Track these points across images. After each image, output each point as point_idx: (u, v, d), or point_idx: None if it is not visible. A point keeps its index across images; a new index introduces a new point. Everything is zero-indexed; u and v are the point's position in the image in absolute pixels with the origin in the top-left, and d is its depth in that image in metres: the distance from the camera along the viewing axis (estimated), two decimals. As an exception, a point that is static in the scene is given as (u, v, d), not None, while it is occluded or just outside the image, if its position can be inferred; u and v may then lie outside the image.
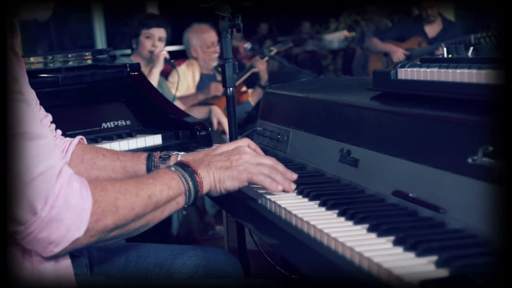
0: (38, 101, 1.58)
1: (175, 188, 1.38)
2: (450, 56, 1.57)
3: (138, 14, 4.32)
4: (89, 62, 2.72)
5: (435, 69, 1.45)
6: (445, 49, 1.58)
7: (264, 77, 5.06)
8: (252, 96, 5.11)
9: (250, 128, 4.77)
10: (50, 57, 2.65)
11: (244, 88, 5.09)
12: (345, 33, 11.49)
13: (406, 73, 1.54)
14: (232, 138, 2.31)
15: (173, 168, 1.42)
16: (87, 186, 1.24)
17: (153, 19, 4.24)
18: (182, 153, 1.72)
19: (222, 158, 1.49)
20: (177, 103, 4.23)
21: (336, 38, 11.10)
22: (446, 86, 1.38)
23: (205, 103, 4.69)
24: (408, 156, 1.37)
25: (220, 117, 4.29)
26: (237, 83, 4.95)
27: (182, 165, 1.43)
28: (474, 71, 1.31)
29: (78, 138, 1.76)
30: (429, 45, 5.91)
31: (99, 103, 2.53)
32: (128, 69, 2.59)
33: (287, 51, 9.24)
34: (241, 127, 4.74)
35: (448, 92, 1.36)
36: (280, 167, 1.52)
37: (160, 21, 4.26)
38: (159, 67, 4.11)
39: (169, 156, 1.71)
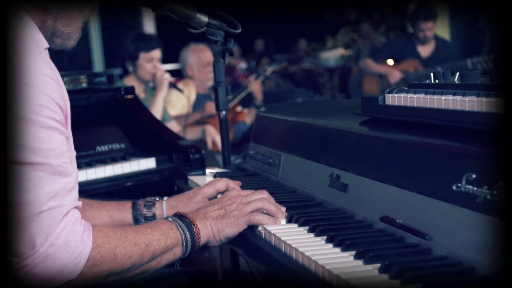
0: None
1: (173, 238, 1.41)
2: (437, 81, 1.59)
3: (131, 35, 4.27)
4: (85, 85, 2.74)
5: (421, 95, 1.47)
6: (432, 74, 1.60)
7: (259, 97, 5.09)
8: (248, 116, 5.13)
9: (246, 148, 4.80)
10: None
11: (239, 108, 5.12)
12: (341, 51, 11.56)
13: (393, 99, 1.56)
14: (226, 161, 2.32)
15: (170, 219, 1.46)
16: (90, 231, 1.27)
17: (149, 41, 4.21)
18: (165, 198, 1.75)
19: (216, 208, 1.52)
20: (173, 123, 4.25)
21: (332, 56, 11.16)
22: (432, 112, 1.40)
23: (201, 122, 4.72)
24: (395, 182, 1.39)
25: (214, 137, 4.30)
26: (232, 104, 4.99)
27: (180, 216, 1.47)
28: (458, 98, 1.33)
29: None
30: (424, 66, 5.93)
31: (93, 126, 2.55)
32: (123, 92, 2.62)
33: (283, 69, 9.27)
34: (237, 147, 4.77)
35: (434, 119, 1.38)
36: (272, 199, 1.57)
37: (156, 42, 4.25)
38: (163, 92, 4.09)
39: (153, 203, 1.74)
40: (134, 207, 1.74)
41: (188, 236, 1.43)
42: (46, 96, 1.21)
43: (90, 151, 2.45)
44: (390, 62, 6.12)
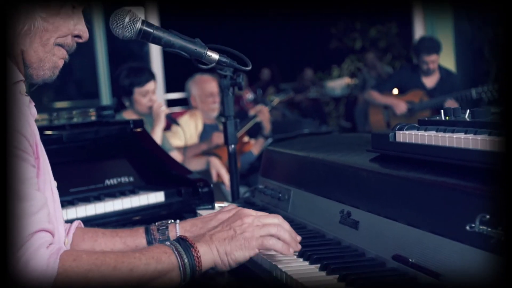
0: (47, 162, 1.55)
1: (166, 263, 1.33)
2: (447, 118, 1.59)
3: (123, 69, 4.27)
4: (93, 118, 2.75)
5: (432, 133, 1.47)
6: (442, 111, 1.60)
7: (267, 127, 5.09)
8: (254, 146, 5.14)
9: (253, 178, 4.79)
10: (55, 114, 2.68)
11: (246, 139, 5.12)
12: (347, 80, 11.60)
13: (404, 136, 1.56)
14: (234, 195, 2.32)
15: (168, 243, 1.38)
16: (57, 255, 1.23)
17: (142, 75, 4.20)
18: (178, 220, 1.70)
19: (224, 228, 1.42)
20: (175, 153, 4.25)
21: (338, 85, 11.20)
22: (443, 151, 1.40)
23: (207, 153, 4.72)
24: (408, 220, 1.38)
25: (219, 169, 4.28)
26: (239, 134, 4.99)
27: (179, 240, 1.39)
28: (470, 136, 1.33)
29: (76, 222, 1.76)
30: (429, 97, 5.94)
31: (102, 159, 2.55)
32: (132, 125, 2.62)
33: (289, 99, 9.30)
34: (244, 177, 4.76)
35: (446, 157, 1.38)
36: (286, 225, 1.48)
37: (148, 74, 4.25)
38: (161, 125, 4.11)
39: (167, 226, 1.66)
40: (148, 232, 1.68)
41: (186, 260, 1.33)
42: (9, 127, 1.23)
43: (98, 184, 2.44)
44: (395, 91, 6.13)
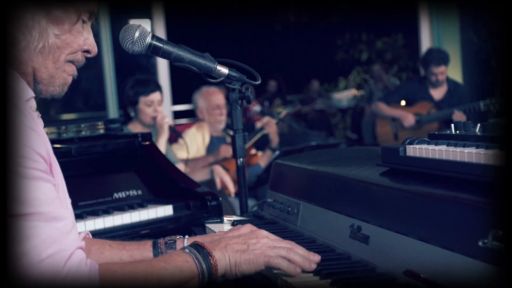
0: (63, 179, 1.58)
1: (188, 272, 1.38)
2: (458, 132, 1.58)
3: (129, 81, 4.30)
4: (102, 131, 2.75)
5: (443, 147, 1.46)
6: (452, 125, 1.60)
7: (275, 139, 5.09)
8: (262, 159, 5.13)
9: (260, 191, 4.79)
10: (63, 127, 2.69)
11: (253, 151, 5.12)
12: (353, 91, 11.59)
13: (414, 150, 1.56)
14: (243, 208, 2.31)
15: (187, 250, 1.42)
16: (96, 271, 1.25)
17: (148, 85, 4.23)
18: (187, 236, 1.72)
19: (239, 241, 1.48)
20: (180, 165, 4.26)
21: (345, 96, 11.19)
22: (454, 165, 1.39)
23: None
24: (419, 235, 1.38)
25: (222, 176, 4.27)
26: (247, 145, 4.99)
27: (197, 247, 1.43)
28: (481, 151, 1.32)
29: (84, 232, 1.77)
30: (437, 109, 5.92)
31: (110, 173, 2.55)
32: (140, 138, 2.63)
33: (296, 111, 9.30)
34: (251, 190, 4.75)
35: (457, 172, 1.37)
36: (300, 249, 1.52)
37: (154, 85, 4.28)
38: (164, 136, 4.13)
39: (175, 241, 1.69)
40: (155, 246, 1.70)
41: (205, 268, 1.40)
42: (27, 148, 1.21)
43: (107, 197, 2.44)
44: (403, 103, 6.12)
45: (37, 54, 1.34)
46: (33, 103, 1.39)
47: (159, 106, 4.25)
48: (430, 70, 5.88)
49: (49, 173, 1.28)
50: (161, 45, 1.66)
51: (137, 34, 1.61)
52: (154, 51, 1.65)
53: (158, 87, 4.28)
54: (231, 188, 4.22)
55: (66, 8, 1.35)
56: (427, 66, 5.94)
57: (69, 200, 1.48)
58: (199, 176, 4.27)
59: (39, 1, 1.31)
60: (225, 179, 4.25)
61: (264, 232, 1.54)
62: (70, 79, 1.43)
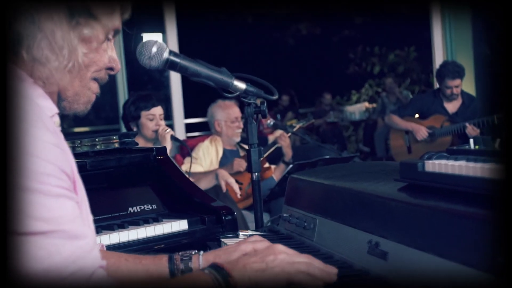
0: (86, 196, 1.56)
1: None
2: (477, 147, 1.57)
3: (130, 98, 4.36)
4: (116, 145, 2.76)
5: (463, 163, 1.45)
6: (471, 140, 1.59)
7: (288, 153, 5.08)
8: (275, 172, 5.12)
9: (274, 205, 4.77)
10: (78, 141, 2.69)
11: (267, 164, 5.11)
12: (366, 104, 11.58)
13: (433, 166, 1.54)
14: (258, 223, 2.30)
15: (207, 271, 1.41)
16: None
17: (149, 100, 4.27)
18: (202, 252, 1.71)
19: (257, 260, 1.45)
20: (200, 179, 4.26)
21: (357, 109, 11.19)
22: (474, 181, 1.37)
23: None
24: (438, 252, 1.36)
25: (227, 179, 4.26)
26: (261, 157, 4.97)
27: (216, 268, 1.42)
28: (502, 167, 1.31)
29: (99, 245, 1.76)
30: (451, 122, 5.90)
31: (125, 187, 2.55)
32: (155, 153, 2.63)
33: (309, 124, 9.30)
34: (264, 203, 4.74)
35: (477, 188, 1.36)
36: (317, 262, 1.49)
37: (155, 99, 4.31)
38: (167, 147, 4.14)
39: (190, 257, 1.68)
40: (171, 261, 1.69)
41: None
42: (51, 165, 1.20)
43: (122, 212, 2.44)
44: (417, 116, 6.11)
45: (66, 73, 1.34)
46: (56, 119, 1.39)
47: (161, 120, 4.27)
48: (445, 83, 5.87)
49: (73, 190, 1.27)
50: (178, 60, 1.66)
51: (154, 49, 1.62)
52: (171, 66, 1.65)
53: (159, 102, 4.32)
54: (237, 189, 4.24)
55: (95, 27, 1.35)
56: (442, 79, 5.92)
57: (91, 218, 1.48)
58: (204, 183, 4.28)
59: (71, 22, 1.31)
60: (229, 181, 4.25)
61: (280, 247, 1.51)
62: (93, 97, 1.44)
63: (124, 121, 4.39)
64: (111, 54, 1.43)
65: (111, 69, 1.45)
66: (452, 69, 5.85)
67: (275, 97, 1.84)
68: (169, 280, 1.46)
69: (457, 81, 5.84)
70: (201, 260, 1.68)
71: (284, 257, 1.46)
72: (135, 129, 4.27)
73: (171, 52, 1.64)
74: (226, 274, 1.40)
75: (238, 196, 4.34)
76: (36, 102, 1.29)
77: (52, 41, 1.29)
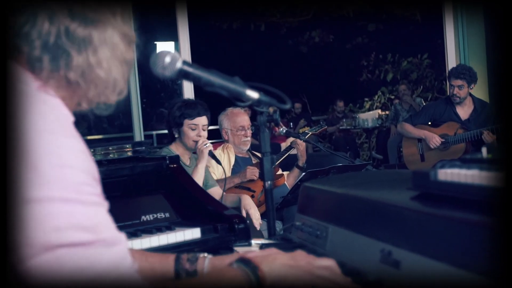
0: None
1: (238, 286, 1.39)
2: (489, 155, 1.57)
3: (177, 102, 4.32)
4: (129, 154, 2.77)
5: (476, 172, 1.44)
6: (484, 149, 1.58)
7: (303, 157, 5.07)
8: (288, 178, 5.12)
9: (286, 212, 4.77)
10: (92, 150, 2.71)
11: (280, 171, 5.11)
12: (379, 112, 11.55)
13: (446, 175, 1.54)
14: (271, 231, 2.30)
15: (235, 265, 1.44)
16: None
17: (194, 108, 4.24)
18: (208, 255, 1.72)
19: (286, 257, 1.50)
20: (217, 188, 4.26)
21: (370, 117, 11.16)
22: (487, 190, 1.37)
23: (240, 186, 4.71)
24: (451, 261, 1.35)
25: (249, 209, 4.08)
26: (275, 165, 4.96)
27: (244, 261, 1.45)
28: (515, 176, 1.30)
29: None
30: (464, 129, 5.89)
31: (138, 195, 2.57)
32: (167, 161, 2.64)
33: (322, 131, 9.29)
34: (277, 211, 4.74)
35: (490, 197, 1.35)
36: (337, 269, 1.55)
37: (201, 109, 4.27)
38: (204, 162, 4.11)
39: (197, 259, 1.71)
40: (177, 261, 1.70)
41: (253, 280, 1.40)
42: (85, 173, 1.21)
43: (135, 220, 2.46)
44: (429, 123, 6.13)
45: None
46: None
47: (204, 131, 4.25)
48: (450, 83, 5.95)
49: (102, 196, 1.28)
50: (191, 70, 1.67)
51: (168, 60, 1.63)
52: (184, 76, 1.66)
53: (205, 111, 4.28)
54: (255, 220, 4.02)
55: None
56: (449, 80, 6.03)
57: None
58: (227, 200, 4.24)
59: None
60: (251, 211, 4.06)
61: (302, 252, 1.56)
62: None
63: (167, 125, 4.35)
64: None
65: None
66: (456, 70, 5.93)
67: (288, 107, 1.85)
68: (197, 278, 1.47)
69: (458, 81, 5.87)
70: (206, 262, 1.70)
71: (309, 259, 1.52)
72: (176, 135, 4.26)
73: (184, 62, 1.64)
74: (255, 267, 1.42)
75: (257, 226, 4.16)
76: (59, 110, 1.29)
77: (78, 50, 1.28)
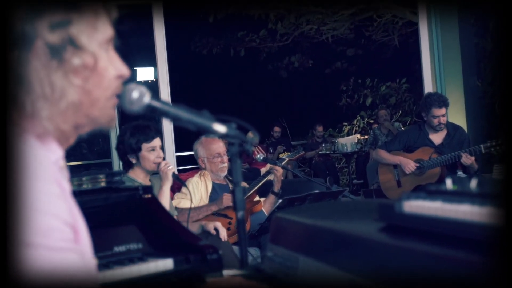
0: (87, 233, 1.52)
1: None
2: (454, 187, 1.59)
3: (127, 128, 4.30)
4: (103, 184, 2.77)
5: (439, 204, 1.46)
6: (449, 180, 1.60)
7: (278, 184, 5.09)
8: (265, 205, 5.12)
9: (264, 239, 4.77)
10: (65, 180, 2.70)
11: (257, 198, 5.12)
12: (358, 136, 11.62)
13: (411, 207, 1.56)
14: (243, 262, 2.30)
15: None
16: None
17: (149, 131, 4.26)
18: None
19: None
20: (191, 214, 4.26)
21: (349, 141, 11.23)
22: (449, 223, 1.39)
23: (217, 213, 4.72)
24: (416, 294, 1.37)
25: (214, 224, 4.36)
26: (252, 191, 4.98)
27: None
28: (476, 209, 1.32)
29: None
30: (438, 153, 5.95)
31: (111, 226, 2.56)
32: (141, 191, 2.64)
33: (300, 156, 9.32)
34: (255, 238, 4.74)
35: (453, 230, 1.37)
36: None
37: (154, 130, 4.30)
38: (169, 184, 4.14)
39: None
40: None
41: None
42: (55, 218, 1.20)
43: (107, 251, 2.45)
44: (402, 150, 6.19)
45: (65, 114, 1.33)
46: (61, 162, 1.38)
47: (161, 151, 4.27)
48: (432, 113, 5.94)
49: (74, 241, 1.26)
50: (159, 105, 1.68)
51: (135, 95, 1.63)
52: (152, 111, 1.67)
53: (158, 133, 4.32)
54: (223, 235, 4.28)
55: (83, 53, 1.32)
56: (428, 109, 5.99)
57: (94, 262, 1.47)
58: (194, 228, 4.29)
59: (54, 61, 1.28)
60: (217, 224, 4.35)
61: None
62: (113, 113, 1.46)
63: (121, 153, 4.33)
64: (114, 64, 1.40)
65: (120, 77, 1.43)
66: (437, 99, 5.94)
67: (256, 142, 1.86)
68: None
69: (443, 110, 5.91)
70: None
71: None
72: (134, 161, 4.24)
73: (152, 98, 1.66)
74: None
75: (223, 239, 4.30)
76: (38, 151, 1.26)
77: (40, 90, 1.25)
